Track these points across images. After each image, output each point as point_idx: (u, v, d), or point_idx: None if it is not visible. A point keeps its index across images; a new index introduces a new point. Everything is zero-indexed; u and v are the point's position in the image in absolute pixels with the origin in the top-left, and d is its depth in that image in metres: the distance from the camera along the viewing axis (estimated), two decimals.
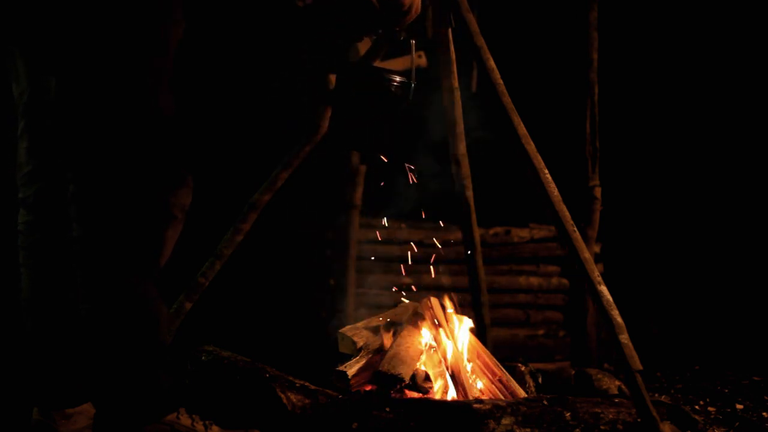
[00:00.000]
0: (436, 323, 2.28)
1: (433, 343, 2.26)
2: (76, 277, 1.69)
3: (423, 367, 2.19)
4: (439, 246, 3.25)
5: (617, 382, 2.52)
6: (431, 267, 3.25)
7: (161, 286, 1.75)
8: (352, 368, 2.16)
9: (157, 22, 1.64)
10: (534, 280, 3.39)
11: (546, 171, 2.02)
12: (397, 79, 2.01)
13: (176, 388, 1.78)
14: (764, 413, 2.50)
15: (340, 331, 2.36)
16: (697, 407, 2.54)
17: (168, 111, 1.69)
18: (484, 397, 2.19)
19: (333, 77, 2.13)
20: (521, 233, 3.39)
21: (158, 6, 1.65)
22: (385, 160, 2.20)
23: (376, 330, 2.34)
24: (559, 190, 2.02)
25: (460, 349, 2.27)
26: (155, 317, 1.71)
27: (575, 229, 1.98)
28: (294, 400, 2.00)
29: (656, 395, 2.65)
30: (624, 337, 1.86)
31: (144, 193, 1.67)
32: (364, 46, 2.85)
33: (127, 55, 1.61)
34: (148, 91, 1.64)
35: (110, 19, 1.60)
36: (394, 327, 2.30)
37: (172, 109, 1.69)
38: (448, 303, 2.38)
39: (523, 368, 2.43)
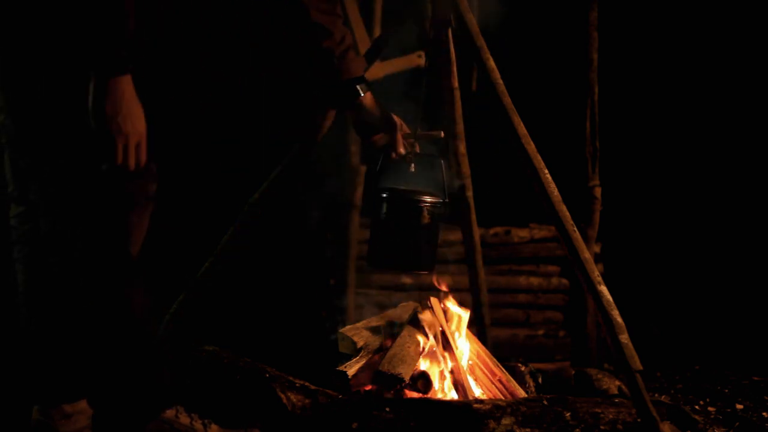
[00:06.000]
0: (437, 323, 2.28)
1: (433, 343, 2.26)
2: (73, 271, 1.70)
3: (423, 367, 2.19)
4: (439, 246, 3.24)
5: (617, 382, 2.51)
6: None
7: (154, 283, 1.75)
8: (352, 368, 2.16)
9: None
10: (534, 280, 3.39)
11: (546, 171, 2.02)
12: (429, 200, 2.08)
13: (176, 384, 1.78)
14: (764, 413, 2.50)
15: (340, 331, 2.36)
16: (697, 407, 2.53)
17: None
18: (484, 397, 2.19)
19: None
20: (521, 233, 3.39)
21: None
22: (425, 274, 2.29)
23: (376, 330, 2.34)
24: (559, 190, 2.02)
25: (459, 348, 2.27)
26: (130, 304, 1.72)
27: (575, 229, 1.98)
28: (294, 400, 2.00)
29: (656, 395, 2.65)
30: (624, 337, 1.86)
31: (103, 182, 1.68)
32: (363, 46, 2.86)
33: (68, 51, 1.62)
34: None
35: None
36: (394, 327, 2.30)
37: None
38: (449, 300, 2.38)
39: (523, 368, 2.43)
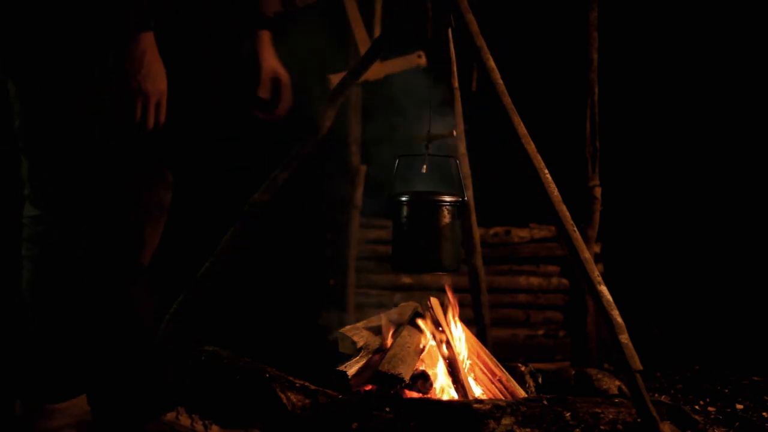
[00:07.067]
0: (437, 323, 2.28)
1: (433, 343, 2.26)
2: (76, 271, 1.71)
3: (423, 367, 2.19)
4: None
5: (617, 382, 2.51)
6: None
7: (155, 283, 1.75)
8: (352, 368, 2.16)
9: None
10: (534, 280, 3.39)
11: (546, 171, 2.02)
12: (449, 199, 2.11)
13: (176, 385, 1.78)
14: (764, 413, 2.50)
15: (340, 331, 2.36)
16: (697, 407, 2.54)
17: None
18: (484, 397, 2.19)
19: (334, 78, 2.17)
20: (521, 233, 3.39)
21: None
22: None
23: (376, 330, 2.34)
24: (559, 190, 2.02)
25: (459, 349, 2.27)
26: (136, 311, 1.72)
27: (575, 229, 1.98)
28: (294, 400, 2.00)
29: (656, 395, 2.65)
30: (624, 337, 1.86)
31: (117, 191, 1.67)
32: (363, 46, 2.86)
33: (84, 55, 1.62)
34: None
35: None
36: (394, 327, 2.30)
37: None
38: (450, 301, 2.38)
39: (523, 368, 2.43)
